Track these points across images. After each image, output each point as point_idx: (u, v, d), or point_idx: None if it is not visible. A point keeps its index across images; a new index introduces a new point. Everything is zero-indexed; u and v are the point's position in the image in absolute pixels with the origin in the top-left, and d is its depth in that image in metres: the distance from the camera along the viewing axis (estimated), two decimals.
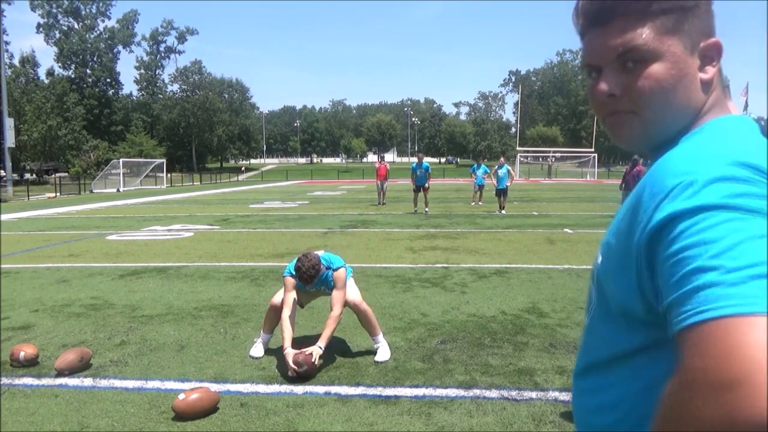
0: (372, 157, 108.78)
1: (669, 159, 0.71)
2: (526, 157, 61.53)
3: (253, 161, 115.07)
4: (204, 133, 79.84)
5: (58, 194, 29.25)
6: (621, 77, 0.77)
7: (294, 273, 3.95)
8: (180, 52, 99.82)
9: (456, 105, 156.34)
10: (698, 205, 0.62)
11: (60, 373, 3.69)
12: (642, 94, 0.76)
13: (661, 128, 0.78)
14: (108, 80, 77.89)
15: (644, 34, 0.74)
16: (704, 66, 0.77)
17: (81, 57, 74.55)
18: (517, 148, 61.70)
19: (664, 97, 0.75)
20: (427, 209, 15.95)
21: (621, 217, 0.75)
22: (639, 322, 0.71)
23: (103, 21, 76.68)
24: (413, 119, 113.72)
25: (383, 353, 4.05)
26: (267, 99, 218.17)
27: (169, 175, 45.29)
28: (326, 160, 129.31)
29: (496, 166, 16.90)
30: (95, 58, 76.14)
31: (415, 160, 16.70)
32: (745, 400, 0.49)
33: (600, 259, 0.80)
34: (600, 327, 0.80)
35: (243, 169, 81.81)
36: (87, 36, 74.29)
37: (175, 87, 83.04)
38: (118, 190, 33.32)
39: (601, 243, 0.82)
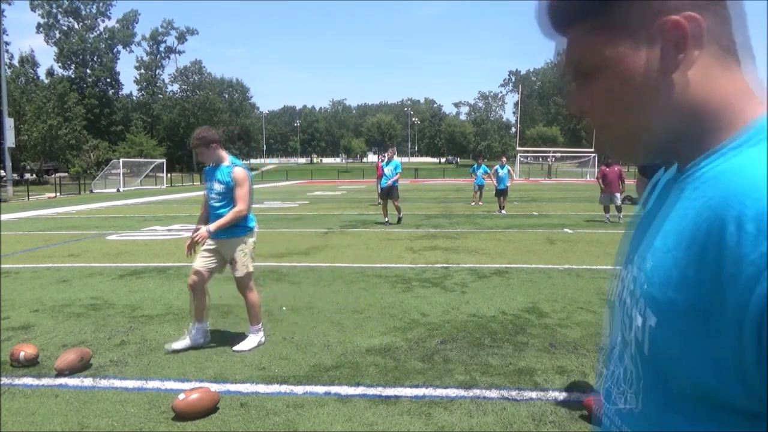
0: (372, 158, 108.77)
1: (744, 181, 0.50)
2: (526, 157, 61.54)
3: (253, 161, 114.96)
4: None
5: (58, 194, 29.24)
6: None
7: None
8: (180, 52, 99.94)
9: (456, 105, 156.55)
10: None
11: (60, 373, 3.69)
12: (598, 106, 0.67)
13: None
14: (108, 80, 77.93)
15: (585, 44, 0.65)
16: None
17: (81, 57, 74.57)
18: (517, 148, 61.70)
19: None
20: (388, 218, 13.03)
21: (674, 259, 0.54)
22: (731, 410, 0.50)
23: (103, 21, 76.78)
24: (413, 119, 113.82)
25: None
26: (267, 99, 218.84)
27: (169, 175, 45.28)
28: (326, 160, 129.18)
29: (497, 166, 16.90)
30: (95, 58, 76.17)
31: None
32: None
33: (646, 320, 0.56)
34: (663, 417, 0.56)
35: None
36: (87, 36, 74.30)
37: (175, 87, 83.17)
38: (118, 190, 33.31)
39: (637, 293, 0.59)
